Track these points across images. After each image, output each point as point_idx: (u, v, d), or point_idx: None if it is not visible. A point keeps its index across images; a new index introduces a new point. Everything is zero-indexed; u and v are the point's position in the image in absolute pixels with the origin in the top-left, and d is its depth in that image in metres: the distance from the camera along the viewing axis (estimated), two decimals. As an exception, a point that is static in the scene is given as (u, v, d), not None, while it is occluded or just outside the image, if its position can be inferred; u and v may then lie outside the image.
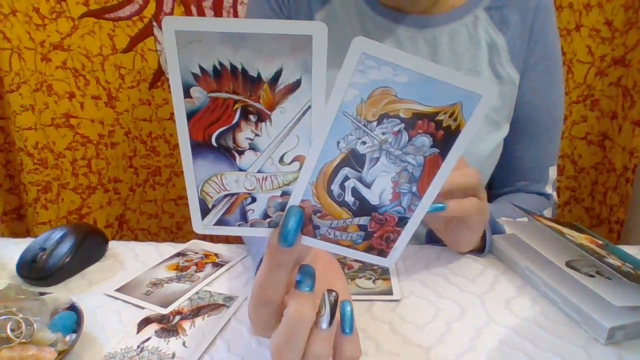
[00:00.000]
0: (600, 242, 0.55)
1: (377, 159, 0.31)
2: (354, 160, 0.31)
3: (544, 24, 0.70)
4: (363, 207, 0.33)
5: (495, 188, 0.79)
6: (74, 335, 0.44)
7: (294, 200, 0.32)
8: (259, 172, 0.32)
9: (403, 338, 0.47)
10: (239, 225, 0.34)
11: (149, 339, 0.46)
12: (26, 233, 1.09)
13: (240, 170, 0.32)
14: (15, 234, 1.09)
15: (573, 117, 1.09)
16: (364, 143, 0.30)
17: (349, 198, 0.32)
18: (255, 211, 0.33)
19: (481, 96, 0.28)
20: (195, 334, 0.47)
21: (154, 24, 1.01)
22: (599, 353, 0.45)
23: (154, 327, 0.48)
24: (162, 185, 1.14)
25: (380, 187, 0.32)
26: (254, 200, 0.33)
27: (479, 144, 0.69)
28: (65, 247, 0.57)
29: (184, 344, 0.46)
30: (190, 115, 0.30)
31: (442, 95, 0.29)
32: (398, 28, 0.68)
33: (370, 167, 0.31)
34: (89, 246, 0.60)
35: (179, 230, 1.19)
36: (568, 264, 0.52)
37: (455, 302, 0.52)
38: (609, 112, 1.08)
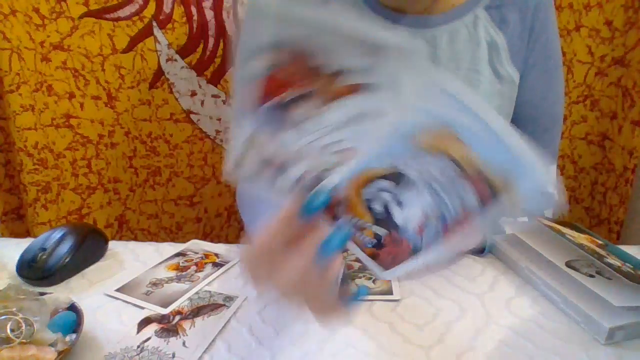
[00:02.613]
0: (600, 242, 0.55)
1: (419, 188, 0.31)
2: (397, 178, 0.31)
3: (543, 23, 0.70)
4: (386, 221, 0.33)
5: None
6: (74, 335, 0.44)
7: (327, 184, 0.32)
8: (305, 147, 0.32)
9: (403, 338, 0.47)
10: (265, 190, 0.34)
11: (149, 339, 0.46)
12: (26, 233, 1.08)
13: (289, 141, 0.32)
14: (15, 234, 1.09)
15: (573, 117, 1.09)
16: (413, 169, 0.30)
17: (377, 207, 0.33)
18: (286, 180, 0.33)
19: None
20: (195, 334, 0.47)
21: (154, 24, 1.01)
22: (599, 353, 0.45)
23: (154, 327, 0.48)
24: (162, 186, 1.14)
25: (410, 212, 0.32)
26: (289, 169, 0.33)
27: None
28: (65, 247, 0.57)
29: (184, 344, 0.46)
30: (254, 78, 0.30)
31: (500, 156, 0.28)
32: (397, 28, 0.68)
33: (408, 190, 0.31)
34: (89, 246, 0.60)
35: (179, 230, 1.19)
36: (568, 264, 0.52)
37: (455, 302, 0.52)
38: (609, 112, 1.08)
